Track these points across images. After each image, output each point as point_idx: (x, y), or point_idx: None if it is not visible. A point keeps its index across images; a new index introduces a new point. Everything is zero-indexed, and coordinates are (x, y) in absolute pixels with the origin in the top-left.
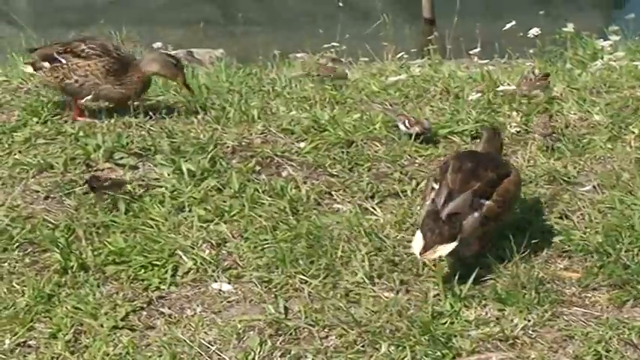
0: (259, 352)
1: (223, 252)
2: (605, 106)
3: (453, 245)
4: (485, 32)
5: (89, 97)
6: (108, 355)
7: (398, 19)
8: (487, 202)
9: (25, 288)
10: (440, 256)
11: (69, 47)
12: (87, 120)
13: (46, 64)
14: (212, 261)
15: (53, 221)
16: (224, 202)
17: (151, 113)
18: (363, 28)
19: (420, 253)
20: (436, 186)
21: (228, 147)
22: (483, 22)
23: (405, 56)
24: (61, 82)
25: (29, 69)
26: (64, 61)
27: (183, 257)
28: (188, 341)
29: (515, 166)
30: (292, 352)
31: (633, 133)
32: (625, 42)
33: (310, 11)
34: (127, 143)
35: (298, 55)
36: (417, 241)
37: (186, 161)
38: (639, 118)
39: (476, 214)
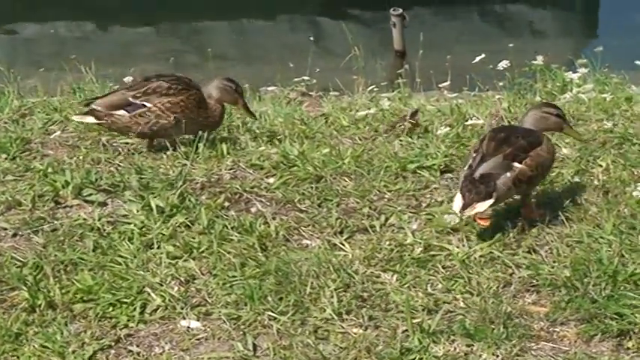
0: None
1: (192, 289)
2: (573, 139)
3: (489, 202)
4: (456, 65)
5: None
6: None
7: (369, 51)
8: (519, 166)
9: None
10: (477, 212)
11: (148, 89)
12: None
13: (121, 112)
14: (181, 298)
15: (21, 259)
16: (193, 238)
17: (120, 149)
18: (335, 62)
19: (460, 211)
20: (474, 154)
21: (197, 183)
22: (454, 55)
23: (376, 89)
24: (153, 125)
25: (90, 119)
26: (148, 104)
27: (152, 294)
28: None
29: (549, 140)
30: None
31: (601, 166)
32: (594, 74)
33: (281, 45)
34: (96, 179)
35: (269, 88)
36: (457, 201)
37: (155, 197)
38: (607, 152)
39: (508, 174)
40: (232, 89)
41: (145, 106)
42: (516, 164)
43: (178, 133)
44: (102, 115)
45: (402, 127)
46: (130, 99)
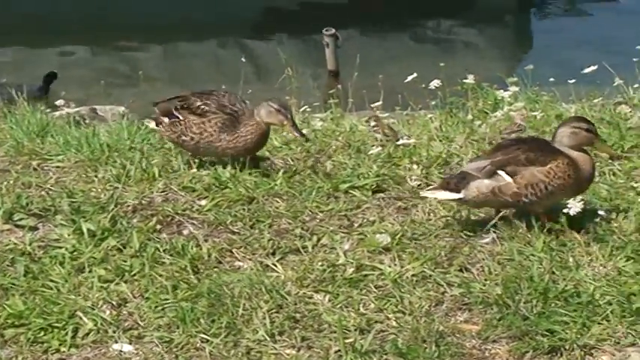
0: None
1: (124, 312)
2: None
3: (452, 196)
4: (389, 84)
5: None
6: None
7: (303, 72)
8: (506, 178)
9: None
10: (438, 199)
11: (186, 103)
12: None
13: (166, 120)
14: (112, 322)
15: None
16: (124, 261)
17: (51, 173)
18: (268, 83)
19: (425, 191)
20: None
21: (128, 206)
22: (386, 75)
23: (309, 110)
24: (178, 137)
25: (152, 124)
26: (180, 117)
27: (84, 318)
28: None
29: (572, 161)
30: None
31: None
32: (525, 92)
33: (214, 67)
34: (27, 204)
35: None
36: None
37: (86, 221)
38: None
39: (486, 181)
40: (275, 110)
41: (177, 117)
42: (503, 174)
43: (202, 154)
44: (158, 121)
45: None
46: (173, 109)
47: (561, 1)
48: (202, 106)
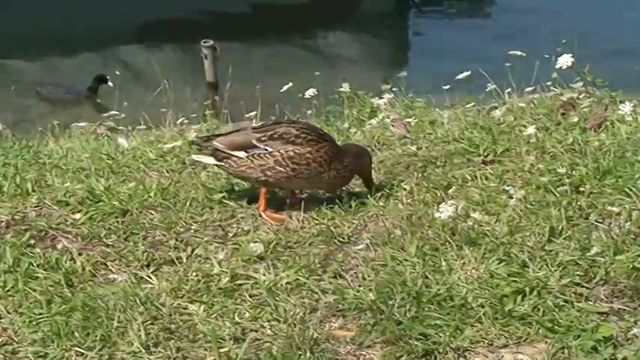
0: None
1: None
2: (379, 164)
3: None
4: (267, 95)
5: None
6: None
7: (182, 83)
8: None
9: None
10: None
11: (275, 133)
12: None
13: (241, 154)
14: None
15: None
16: None
17: None
18: (146, 95)
19: None
20: None
21: (2, 221)
22: (265, 85)
23: (186, 121)
24: (267, 170)
25: (209, 160)
26: (270, 149)
27: None
28: None
29: None
30: None
31: (405, 189)
32: (402, 99)
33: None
34: None
35: (80, 124)
36: None
37: None
38: (410, 175)
39: None
40: (370, 161)
41: (264, 149)
42: None
43: (297, 187)
44: (222, 156)
45: None
46: (254, 141)
47: (437, 11)
48: (302, 134)
